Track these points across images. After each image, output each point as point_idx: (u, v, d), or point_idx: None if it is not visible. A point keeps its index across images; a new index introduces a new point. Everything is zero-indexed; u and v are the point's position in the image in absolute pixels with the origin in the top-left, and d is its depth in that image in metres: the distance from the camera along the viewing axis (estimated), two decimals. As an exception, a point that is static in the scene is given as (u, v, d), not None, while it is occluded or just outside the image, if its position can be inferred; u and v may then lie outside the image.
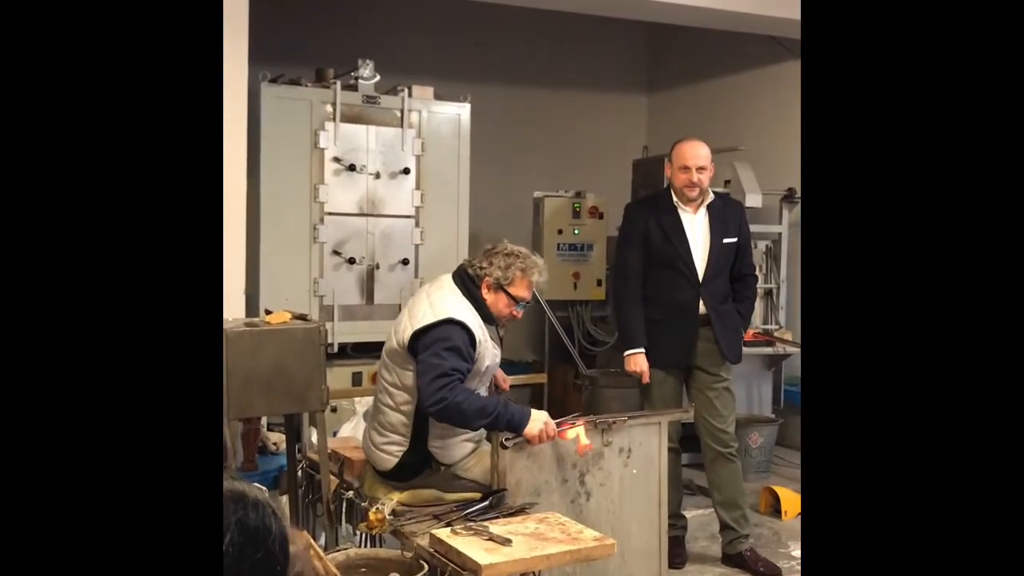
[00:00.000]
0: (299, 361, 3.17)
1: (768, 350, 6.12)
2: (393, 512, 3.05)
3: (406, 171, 5.50)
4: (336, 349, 5.31)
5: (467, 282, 3.25)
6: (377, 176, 5.43)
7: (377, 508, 3.03)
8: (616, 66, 8.39)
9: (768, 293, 6.47)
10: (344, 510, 3.38)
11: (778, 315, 6.49)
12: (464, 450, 3.27)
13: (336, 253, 5.37)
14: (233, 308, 4.18)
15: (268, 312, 3.40)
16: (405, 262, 5.54)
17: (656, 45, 8.44)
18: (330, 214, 5.34)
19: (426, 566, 2.69)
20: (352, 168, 5.34)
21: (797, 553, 4.46)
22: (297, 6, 6.85)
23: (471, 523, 2.79)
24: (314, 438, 3.47)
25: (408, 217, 5.56)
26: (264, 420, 4.18)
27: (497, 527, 2.76)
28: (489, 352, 3.24)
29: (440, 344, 3.06)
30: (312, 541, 2.39)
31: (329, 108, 5.31)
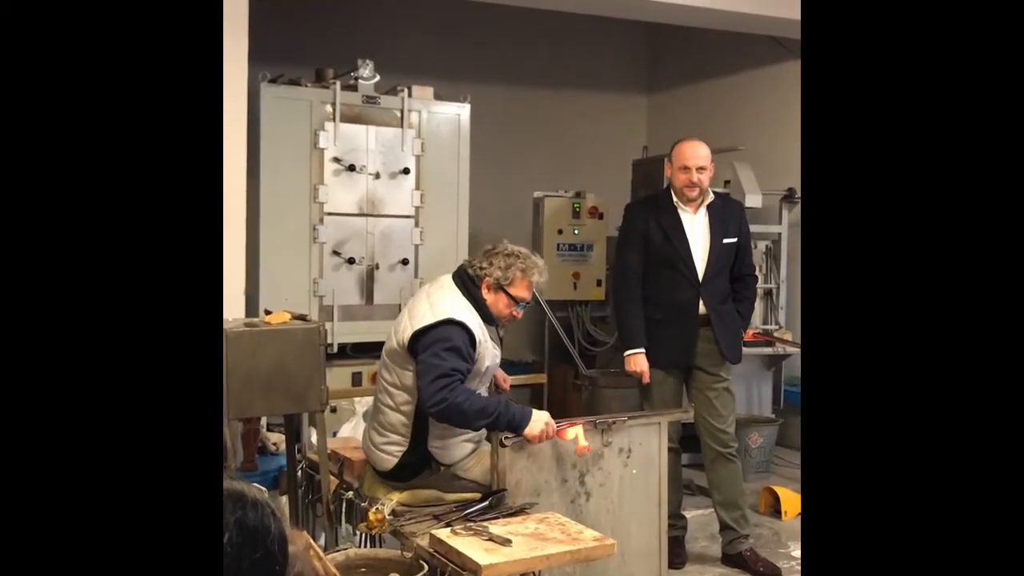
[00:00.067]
0: (299, 361, 3.17)
1: (768, 350, 6.12)
2: (393, 512, 3.05)
3: (406, 171, 5.50)
4: (336, 349, 5.31)
5: (467, 282, 3.25)
6: (377, 176, 5.43)
7: (377, 508, 3.03)
8: (616, 66, 8.39)
9: (768, 293, 6.47)
10: (344, 510, 3.38)
11: (778, 315, 6.49)
12: (464, 450, 3.27)
13: (336, 253, 5.37)
14: (233, 308, 4.18)
15: (268, 312, 3.40)
16: (405, 262, 5.54)
17: (656, 45, 8.44)
18: (330, 214, 5.34)
19: (426, 566, 2.69)
20: (352, 168, 5.34)
21: (797, 553, 4.46)
22: (297, 6, 6.85)
23: (471, 523, 2.79)
24: (314, 438, 3.47)
25: (408, 217, 5.56)
26: (264, 420, 4.18)
27: (497, 527, 2.76)
28: (489, 352, 3.24)
29: (440, 344, 3.06)
30: (312, 541, 2.39)
31: (329, 108, 5.31)
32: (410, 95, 5.51)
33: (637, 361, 4.15)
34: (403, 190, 5.53)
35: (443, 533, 2.71)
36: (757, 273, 5.11)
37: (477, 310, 3.20)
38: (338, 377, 5.09)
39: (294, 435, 3.59)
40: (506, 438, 3.09)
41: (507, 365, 3.75)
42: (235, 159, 4.29)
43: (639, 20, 6.82)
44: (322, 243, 5.34)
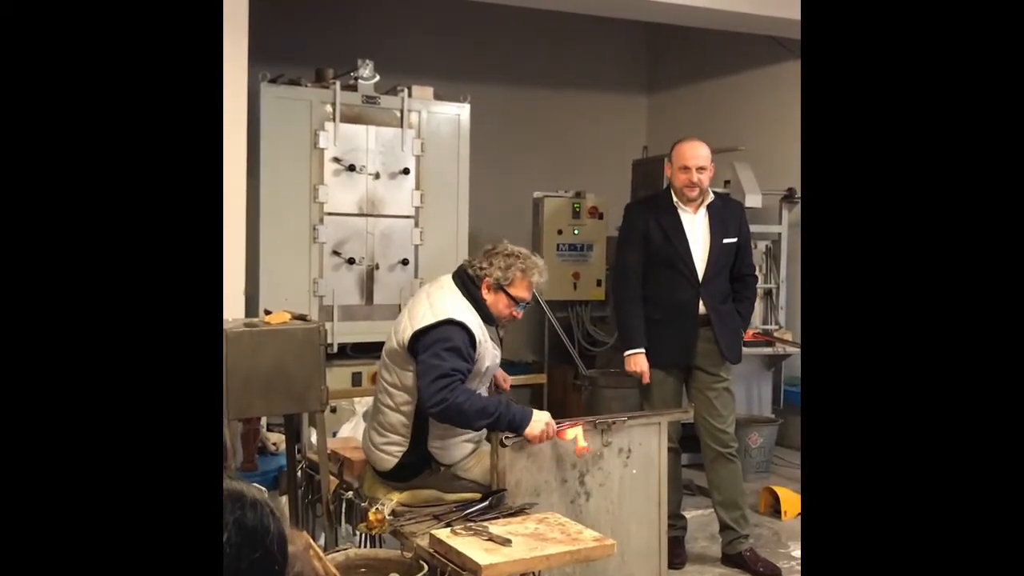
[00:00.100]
0: (299, 361, 3.17)
1: (768, 350, 6.12)
2: (393, 512, 3.05)
3: (406, 171, 5.50)
4: (336, 349, 5.31)
5: (467, 282, 3.25)
6: (377, 176, 5.43)
7: (377, 508, 3.03)
8: (616, 66, 8.39)
9: (768, 293, 6.47)
10: (344, 510, 3.38)
11: (778, 315, 6.49)
12: (464, 450, 3.27)
13: (336, 253, 5.37)
14: (233, 308, 4.18)
15: (268, 312, 3.40)
16: (405, 262, 5.54)
17: (656, 45, 8.44)
18: (330, 214, 5.34)
19: (426, 566, 2.69)
20: (352, 168, 5.34)
21: (797, 553, 4.46)
22: (297, 6, 6.85)
23: (471, 523, 2.79)
24: (314, 438, 3.47)
25: (408, 217, 5.57)
26: (264, 420, 4.18)
27: (497, 527, 2.76)
28: (489, 353, 3.24)
29: (440, 345, 3.06)
30: (312, 541, 2.39)
31: (329, 108, 5.31)
32: (410, 95, 5.51)
33: (637, 361, 4.15)
34: (403, 190, 5.53)
35: (443, 533, 2.71)
36: (757, 273, 5.11)
37: (477, 310, 3.20)
38: (338, 377, 5.09)
39: (294, 435, 3.59)
40: (507, 438, 3.09)
41: (507, 365, 3.75)
42: (235, 159, 4.29)
43: (639, 20, 6.82)
44: (322, 243, 5.34)
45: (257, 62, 4.60)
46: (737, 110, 7.42)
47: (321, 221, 5.31)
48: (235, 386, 3.03)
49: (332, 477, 3.44)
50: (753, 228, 4.81)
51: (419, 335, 3.10)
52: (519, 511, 3.00)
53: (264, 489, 3.16)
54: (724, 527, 4.30)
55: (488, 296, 3.24)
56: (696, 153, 4.14)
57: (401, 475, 3.22)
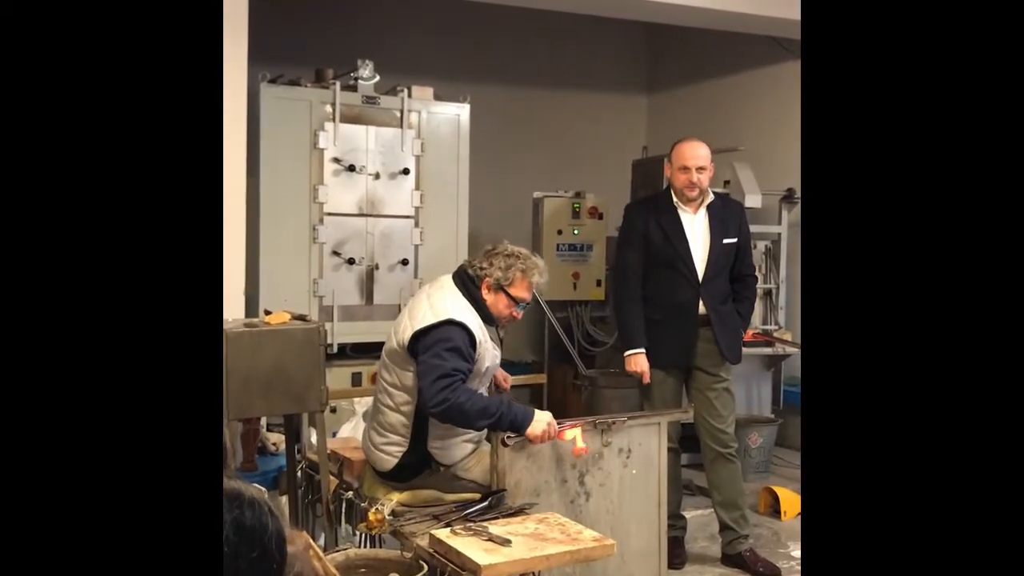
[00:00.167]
0: (298, 361, 3.17)
1: (768, 350, 6.12)
2: (393, 512, 3.05)
3: (405, 171, 5.50)
4: (335, 349, 5.31)
5: (467, 283, 3.25)
6: (376, 176, 5.43)
7: (377, 508, 3.03)
8: (616, 66, 8.39)
9: (768, 293, 6.47)
10: (344, 510, 3.38)
11: (777, 315, 6.49)
12: (464, 450, 3.27)
13: (336, 253, 5.37)
14: (233, 308, 4.18)
15: (267, 312, 3.40)
16: (404, 262, 5.54)
17: (656, 45, 8.44)
18: (330, 214, 5.34)
19: (426, 566, 2.69)
20: (352, 168, 5.34)
21: (797, 553, 4.46)
22: (297, 6, 6.85)
23: (471, 523, 2.79)
24: (313, 438, 3.47)
25: (407, 217, 5.56)
26: (263, 420, 4.18)
27: (497, 527, 2.76)
28: (489, 353, 3.24)
29: (441, 345, 3.06)
30: (312, 541, 2.39)
31: (328, 108, 5.31)
32: (410, 95, 5.51)
33: (638, 361, 4.15)
34: (403, 190, 5.53)
35: (443, 533, 2.71)
36: (757, 273, 5.11)
37: (477, 310, 3.20)
38: (338, 377, 5.09)
39: (294, 435, 3.59)
40: (508, 437, 3.09)
41: (507, 365, 3.75)
42: (235, 159, 4.29)
43: (639, 20, 6.82)
44: (322, 243, 5.34)
45: (257, 62, 4.60)
46: (737, 110, 7.42)
47: (321, 221, 5.31)
48: (235, 386, 3.03)
49: (332, 477, 3.44)
50: (753, 228, 4.81)
51: (419, 335, 3.10)
52: (519, 511, 3.00)
53: (263, 489, 3.16)
54: (724, 527, 4.31)
55: (488, 296, 3.24)
56: (696, 153, 4.14)
57: (401, 475, 3.22)
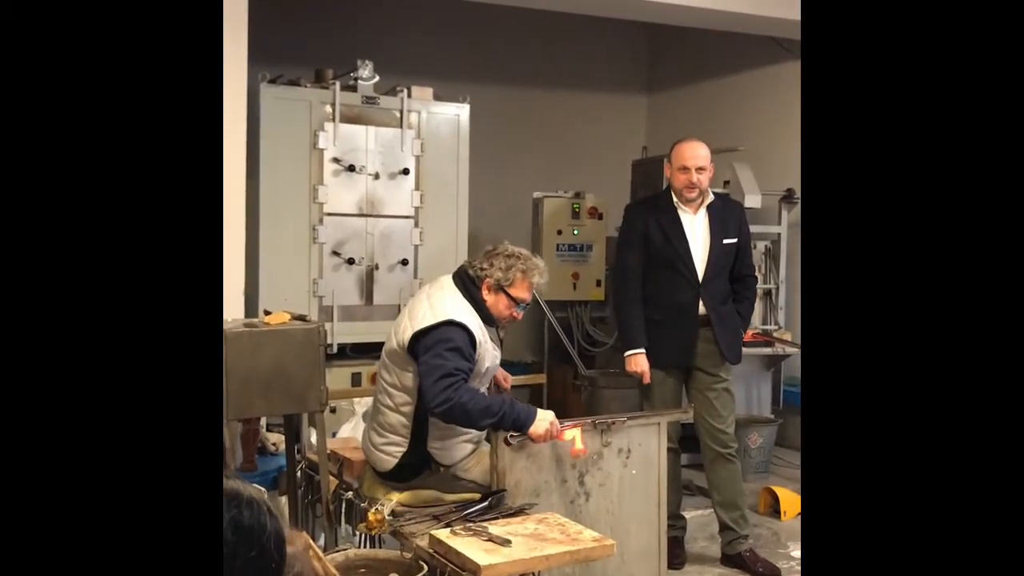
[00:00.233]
0: (298, 362, 3.17)
1: (767, 350, 6.12)
2: (392, 513, 3.05)
3: (405, 172, 5.50)
4: (335, 350, 5.31)
5: (467, 283, 3.25)
6: (376, 177, 5.43)
7: (376, 509, 3.03)
8: (616, 66, 8.39)
9: (767, 294, 6.47)
10: (343, 511, 3.38)
11: (777, 315, 6.49)
12: (464, 451, 3.27)
13: (335, 254, 5.37)
14: (232, 308, 4.18)
15: (267, 312, 3.40)
16: (404, 263, 5.54)
17: (656, 45, 8.44)
18: (329, 214, 5.34)
19: (425, 567, 2.68)
20: (351, 168, 5.34)
21: (797, 553, 4.46)
22: (297, 6, 6.85)
23: (470, 524, 2.79)
24: (313, 439, 3.47)
25: (407, 218, 5.57)
26: (263, 421, 4.18)
27: (496, 528, 2.76)
28: (489, 353, 3.24)
29: (442, 345, 3.06)
30: (311, 542, 2.39)
31: (328, 108, 5.31)
32: (409, 95, 5.51)
33: (638, 362, 4.15)
34: (402, 190, 5.53)
35: (443, 533, 2.71)
36: (757, 274, 5.11)
37: (477, 311, 3.20)
38: (338, 377, 5.09)
39: (294, 435, 3.59)
40: (511, 437, 3.09)
41: (507, 365, 3.75)
42: (235, 159, 4.29)
43: (639, 20, 6.82)
44: (322, 243, 5.34)
45: (257, 62, 4.60)
46: (737, 110, 7.42)
47: (321, 221, 5.31)
48: (235, 386, 3.03)
49: (332, 477, 3.44)
50: (753, 228, 4.81)
51: (419, 336, 3.09)
52: (519, 511, 3.00)
53: (263, 489, 3.16)
54: (724, 527, 4.31)
55: (488, 297, 3.24)
56: (695, 153, 4.14)
57: (401, 475, 3.22)
